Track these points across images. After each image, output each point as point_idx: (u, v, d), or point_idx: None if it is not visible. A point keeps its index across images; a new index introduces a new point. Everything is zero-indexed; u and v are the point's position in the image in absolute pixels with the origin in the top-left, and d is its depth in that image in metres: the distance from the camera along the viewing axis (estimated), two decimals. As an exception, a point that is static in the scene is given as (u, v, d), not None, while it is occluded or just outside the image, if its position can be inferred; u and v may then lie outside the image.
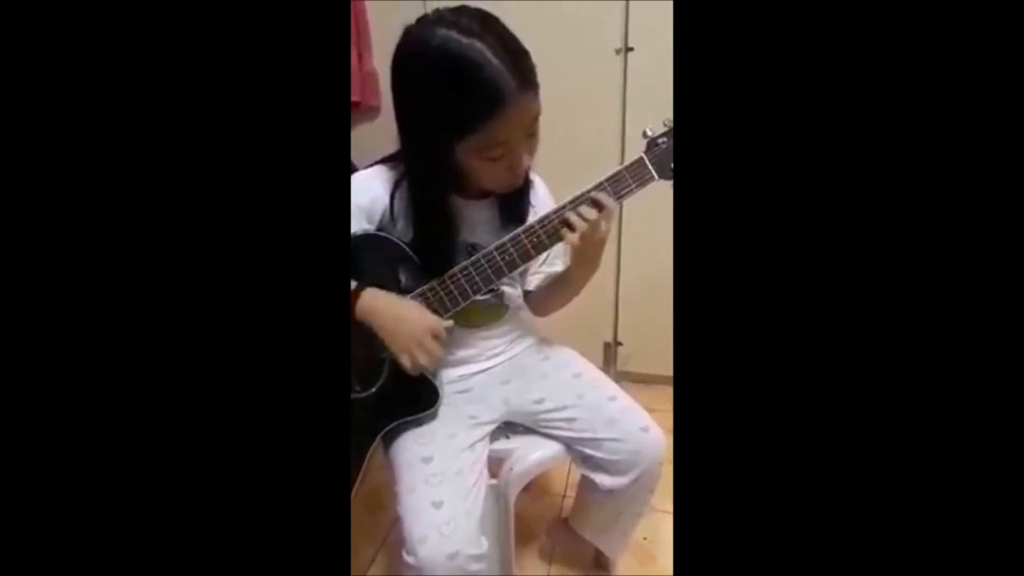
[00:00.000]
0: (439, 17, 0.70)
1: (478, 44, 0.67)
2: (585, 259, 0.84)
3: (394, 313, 0.78)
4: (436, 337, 0.78)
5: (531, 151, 0.78)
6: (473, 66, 0.67)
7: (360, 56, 1.60)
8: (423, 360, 0.77)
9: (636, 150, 0.81)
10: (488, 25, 0.70)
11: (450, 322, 0.81)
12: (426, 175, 0.79)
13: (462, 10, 0.71)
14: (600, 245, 0.81)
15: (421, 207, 0.81)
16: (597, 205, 0.77)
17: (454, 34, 0.67)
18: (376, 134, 1.70)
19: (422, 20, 0.71)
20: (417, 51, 0.70)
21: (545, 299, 0.98)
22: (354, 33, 1.58)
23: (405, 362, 0.77)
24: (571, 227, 0.77)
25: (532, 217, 0.89)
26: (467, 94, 0.68)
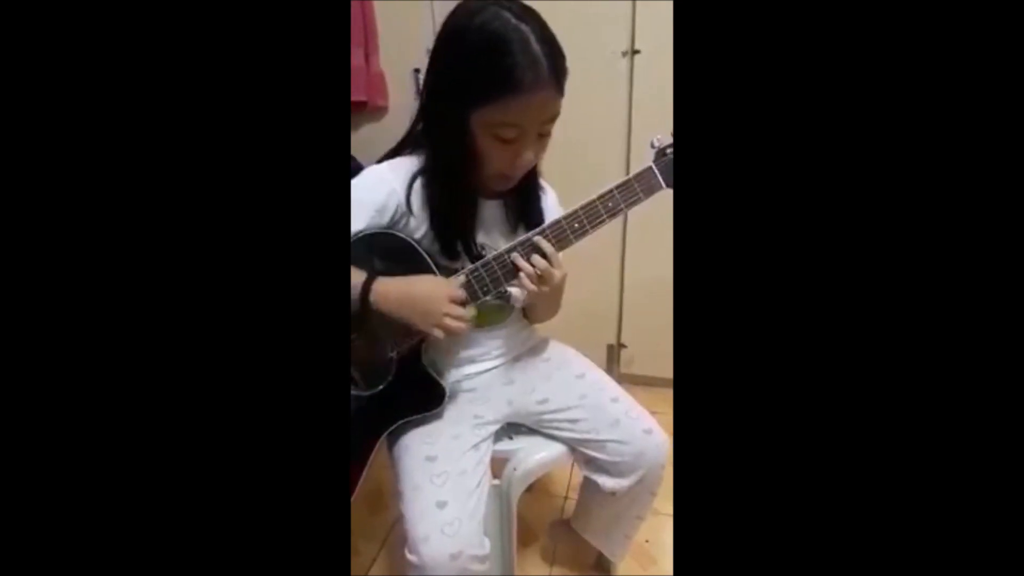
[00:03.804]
0: (497, 1, 0.73)
1: (524, 27, 0.70)
2: (540, 299, 0.84)
3: (409, 292, 0.78)
4: (454, 299, 0.78)
5: (539, 151, 0.79)
6: (511, 42, 0.70)
7: (367, 57, 1.61)
8: (453, 325, 0.77)
9: (642, 153, 0.81)
10: (538, 20, 0.73)
11: (461, 278, 0.81)
12: (442, 145, 0.80)
13: (515, 1, 0.74)
14: (557, 291, 0.82)
15: (438, 189, 0.81)
16: (541, 253, 0.79)
17: (504, 13, 0.71)
18: (382, 134, 1.71)
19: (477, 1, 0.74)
20: (465, 20, 0.73)
21: (528, 311, 0.99)
22: (361, 35, 1.59)
23: (437, 334, 0.77)
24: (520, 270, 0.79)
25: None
26: (497, 64, 0.70)
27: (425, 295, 0.78)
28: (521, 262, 0.79)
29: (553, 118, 0.76)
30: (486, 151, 0.77)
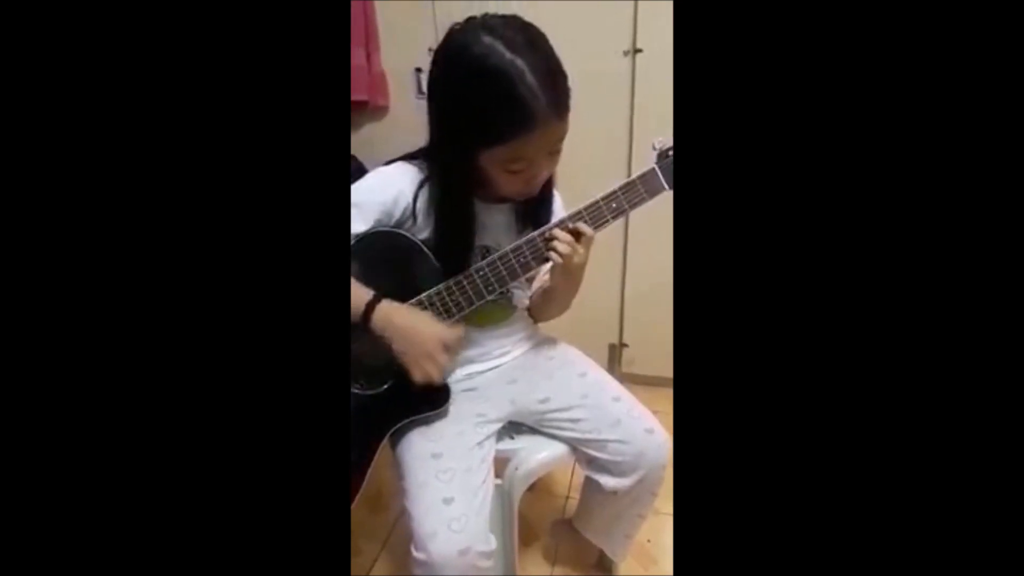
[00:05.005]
0: (486, 24, 0.70)
1: (519, 62, 0.67)
2: (564, 276, 0.85)
3: (408, 325, 0.79)
4: (447, 349, 0.79)
5: (551, 166, 0.79)
6: (510, 83, 0.67)
7: (369, 56, 1.61)
8: (433, 372, 0.79)
9: (644, 152, 0.81)
10: (533, 41, 0.70)
11: (460, 329, 0.82)
12: (450, 176, 0.80)
13: (509, 21, 0.71)
14: (579, 269, 0.82)
15: (443, 207, 0.81)
16: (575, 234, 0.79)
17: (499, 46, 0.68)
18: (384, 133, 1.71)
19: (469, 23, 0.72)
20: (459, 54, 0.71)
21: (537, 308, 1.00)
22: (363, 34, 1.58)
23: (416, 374, 0.79)
24: (554, 250, 0.79)
25: None
26: (499, 109, 0.69)
27: (419, 335, 0.79)
28: (559, 232, 0.78)
29: (562, 139, 0.75)
30: (498, 180, 0.77)
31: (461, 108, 0.73)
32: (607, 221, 0.80)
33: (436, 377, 0.79)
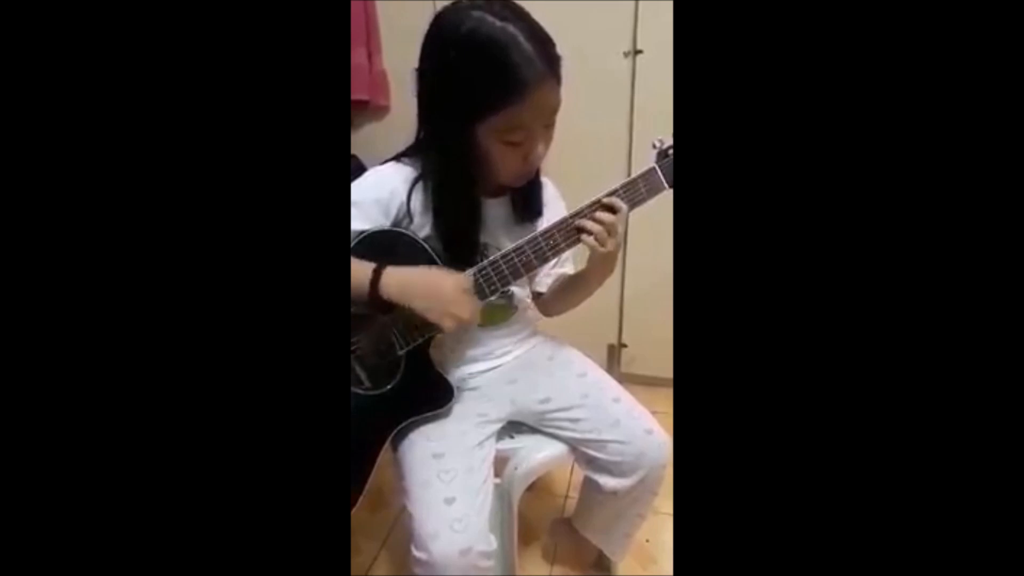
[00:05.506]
0: (472, 3, 0.72)
1: (510, 27, 0.69)
2: (601, 262, 0.84)
3: (421, 282, 0.78)
4: (466, 292, 0.78)
5: (546, 143, 0.79)
6: (504, 47, 0.69)
7: (370, 56, 1.61)
8: (463, 315, 0.77)
9: (644, 153, 0.81)
10: (520, 14, 0.72)
11: (469, 276, 0.80)
12: (447, 165, 0.79)
13: (494, 1, 0.73)
14: (614, 254, 0.82)
15: (443, 201, 0.81)
16: (611, 209, 0.78)
17: (488, 17, 0.70)
18: (384, 133, 1.71)
19: (455, 5, 0.73)
20: (450, 31, 0.72)
21: (556, 300, 0.99)
22: (364, 33, 1.59)
23: (447, 324, 0.77)
24: (587, 231, 0.78)
25: (544, 217, 0.90)
26: (495, 74, 0.70)
27: (435, 284, 0.78)
28: (587, 223, 0.78)
29: (556, 109, 0.76)
30: (497, 157, 0.77)
31: (456, 83, 0.73)
32: None
33: (467, 320, 0.78)
